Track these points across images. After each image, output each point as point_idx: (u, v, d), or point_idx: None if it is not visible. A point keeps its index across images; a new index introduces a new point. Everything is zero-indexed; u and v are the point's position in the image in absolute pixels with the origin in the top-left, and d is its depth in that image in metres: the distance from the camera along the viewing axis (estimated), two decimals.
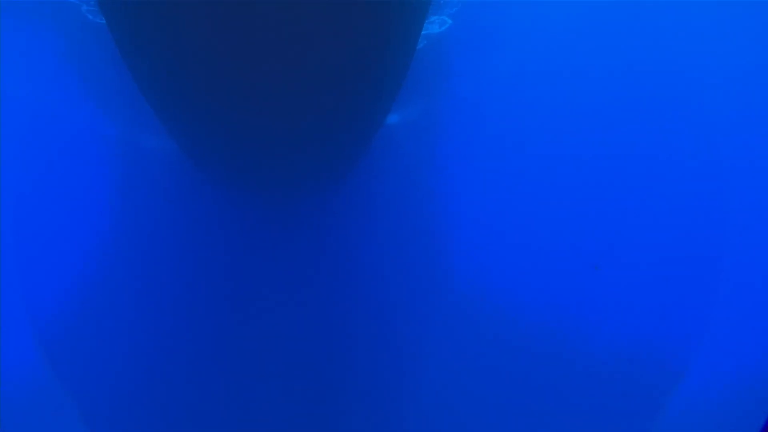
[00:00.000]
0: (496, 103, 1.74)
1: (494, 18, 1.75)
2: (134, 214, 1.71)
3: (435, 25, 1.72)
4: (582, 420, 1.69)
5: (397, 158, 1.73)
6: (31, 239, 1.67)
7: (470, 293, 1.71)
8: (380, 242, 1.71)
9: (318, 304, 1.70)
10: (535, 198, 1.73)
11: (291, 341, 1.69)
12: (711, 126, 1.70)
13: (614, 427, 1.68)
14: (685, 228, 1.69)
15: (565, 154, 1.73)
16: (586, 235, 1.71)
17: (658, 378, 1.69)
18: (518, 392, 1.70)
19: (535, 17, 1.74)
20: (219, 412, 1.66)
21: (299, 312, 1.69)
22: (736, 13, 1.71)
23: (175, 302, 1.69)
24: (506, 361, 1.70)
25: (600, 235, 1.72)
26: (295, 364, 1.68)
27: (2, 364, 1.57)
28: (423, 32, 1.51)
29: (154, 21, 1.24)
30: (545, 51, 1.75)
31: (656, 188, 1.72)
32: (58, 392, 1.62)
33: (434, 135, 1.74)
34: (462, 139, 1.75)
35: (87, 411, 1.63)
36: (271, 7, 1.16)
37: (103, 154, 1.72)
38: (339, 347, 1.69)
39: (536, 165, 1.72)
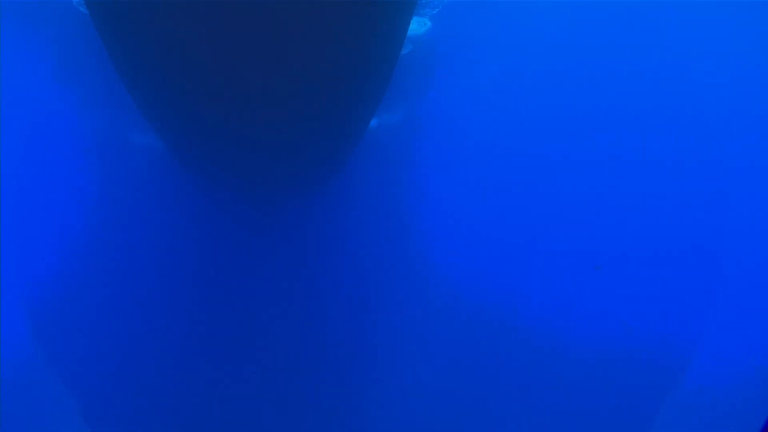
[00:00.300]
0: (481, 105, 1.74)
1: (477, 21, 1.74)
2: (119, 211, 1.69)
3: (414, 24, 1.70)
4: (581, 420, 1.68)
5: (383, 161, 1.72)
6: (14, 235, 1.64)
7: (458, 295, 1.70)
8: (364, 244, 1.70)
9: (302, 303, 1.68)
10: (521, 200, 1.72)
11: (274, 338, 1.67)
12: (711, 125, 1.70)
13: (614, 428, 1.68)
14: (685, 228, 1.70)
15: (549, 154, 1.72)
16: (573, 235, 1.71)
17: (657, 378, 1.68)
18: (513, 394, 1.70)
19: (517, 20, 1.73)
20: (204, 407, 1.65)
21: (282, 310, 1.68)
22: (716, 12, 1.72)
23: (159, 299, 1.67)
24: (500, 363, 1.69)
25: (594, 237, 1.72)
26: (276, 361, 1.67)
27: None
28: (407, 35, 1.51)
29: (139, 19, 1.23)
30: (529, 53, 1.74)
31: (651, 189, 1.72)
32: (36, 391, 1.60)
33: (419, 138, 1.74)
34: (448, 141, 1.74)
35: (70, 405, 1.61)
36: (256, 7, 1.14)
37: (87, 150, 1.69)
38: (322, 346, 1.68)
39: (522, 167, 1.72)
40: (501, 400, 1.68)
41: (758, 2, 1.70)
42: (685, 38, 1.71)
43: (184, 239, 1.69)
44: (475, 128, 1.73)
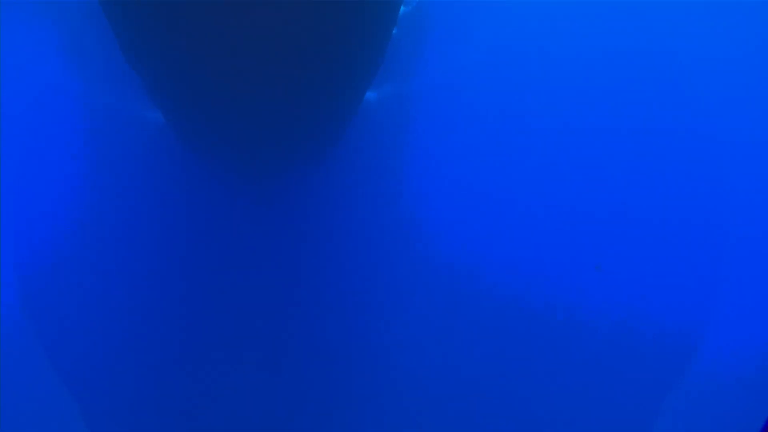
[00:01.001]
0: (480, 77, 1.71)
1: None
2: (112, 184, 1.66)
3: None
4: (580, 420, 1.67)
5: (379, 134, 1.69)
6: (14, 218, 1.61)
7: (457, 281, 1.68)
8: (362, 219, 1.68)
9: (295, 285, 1.66)
10: (522, 184, 1.70)
11: (264, 319, 1.65)
12: (712, 122, 1.70)
13: (613, 427, 1.66)
14: (687, 228, 1.69)
15: (552, 132, 1.70)
16: (567, 228, 1.70)
17: (657, 378, 1.67)
18: (510, 394, 1.68)
19: None
20: (206, 403, 1.62)
21: (281, 289, 1.66)
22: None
23: (154, 279, 1.64)
24: (498, 361, 1.68)
25: (599, 234, 1.70)
26: (275, 342, 1.64)
27: None
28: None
29: None
30: (531, 21, 1.73)
31: (655, 186, 1.71)
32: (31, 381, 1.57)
33: (417, 110, 1.71)
34: (447, 114, 1.71)
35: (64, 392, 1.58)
36: None
37: (89, 127, 1.67)
38: (314, 330, 1.65)
39: (525, 149, 1.70)
40: (497, 398, 1.66)
41: (758, 2, 1.71)
42: (683, 23, 1.71)
43: (184, 219, 1.67)
44: (475, 100, 1.71)
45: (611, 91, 1.70)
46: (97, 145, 1.64)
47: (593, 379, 1.65)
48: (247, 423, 1.60)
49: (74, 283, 1.59)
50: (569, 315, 1.66)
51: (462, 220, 1.68)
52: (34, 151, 1.62)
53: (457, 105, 1.68)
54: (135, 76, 1.48)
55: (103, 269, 1.60)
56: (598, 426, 1.66)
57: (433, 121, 1.68)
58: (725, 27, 1.73)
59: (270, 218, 1.64)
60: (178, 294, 1.61)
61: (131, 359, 1.58)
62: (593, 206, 1.69)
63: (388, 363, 1.62)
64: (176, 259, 1.62)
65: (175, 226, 1.63)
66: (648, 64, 1.71)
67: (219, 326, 1.61)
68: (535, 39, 1.70)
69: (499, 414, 1.65)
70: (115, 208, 1.62)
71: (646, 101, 1.70)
